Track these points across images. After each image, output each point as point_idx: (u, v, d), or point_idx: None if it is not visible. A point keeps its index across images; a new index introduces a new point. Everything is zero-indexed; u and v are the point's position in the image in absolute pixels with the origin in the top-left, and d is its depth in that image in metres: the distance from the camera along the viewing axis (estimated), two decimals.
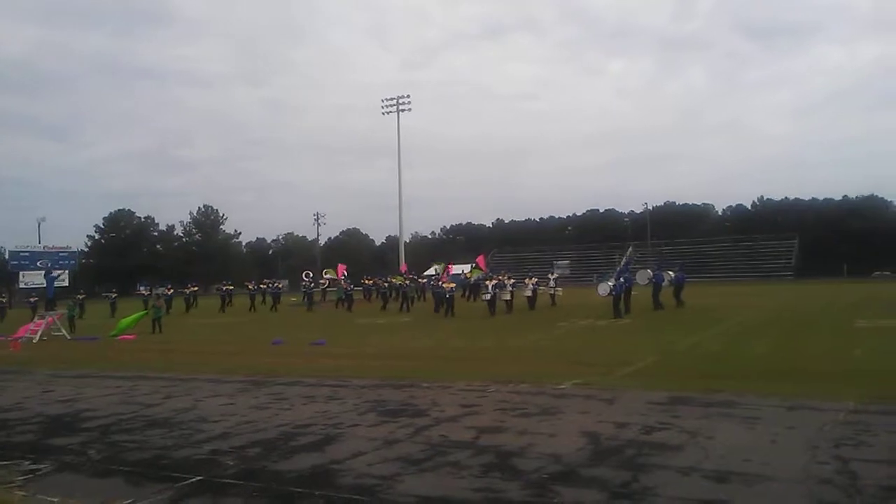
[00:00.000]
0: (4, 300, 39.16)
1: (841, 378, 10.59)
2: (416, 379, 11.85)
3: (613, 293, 23.85)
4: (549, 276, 32.17)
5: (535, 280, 30.24)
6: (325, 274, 44.03)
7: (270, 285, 41.30)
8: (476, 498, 5.47)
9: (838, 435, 7.01)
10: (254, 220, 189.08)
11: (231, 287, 41.25)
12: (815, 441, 6.80)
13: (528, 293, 28.97)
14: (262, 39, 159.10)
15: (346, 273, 38.96)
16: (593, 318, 23.28)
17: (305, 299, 38.38)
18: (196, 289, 41.88)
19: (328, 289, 41.81)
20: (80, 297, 37.93)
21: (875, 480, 5.52)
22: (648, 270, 27.70)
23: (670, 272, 27.38)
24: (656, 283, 26.10)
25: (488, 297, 27.31)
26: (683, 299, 26.09)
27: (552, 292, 30.54)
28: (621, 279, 24.74)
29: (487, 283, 28.60)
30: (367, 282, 40.32)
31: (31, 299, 40.15)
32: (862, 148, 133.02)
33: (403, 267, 47.62)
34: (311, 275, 43.68)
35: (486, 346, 17.30)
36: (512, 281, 29.63)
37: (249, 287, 40.42)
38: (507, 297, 28.06)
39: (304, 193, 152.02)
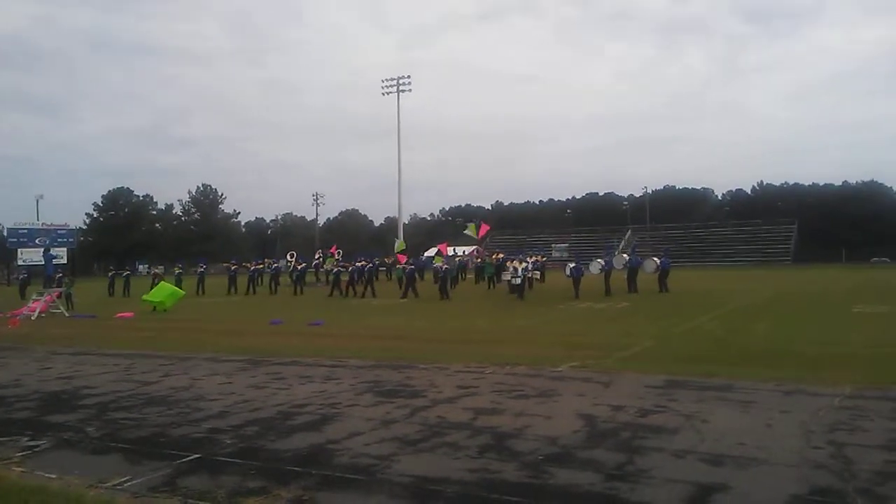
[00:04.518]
0: (25, 276, 38.40)
1: (837, 363, 10.62)
2: (413, 360, 11.86)
3: (572, 275, 26.11)
4: (527, 259, 31.73)
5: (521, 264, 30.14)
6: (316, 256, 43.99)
7: (270, 265, 40.88)
8: (472, 478, 5.49)
9: (833, 420, 7.05)
10: (253, 200, 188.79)
11: (261, 266, 40.54)
12: (810, 425, 6.83)
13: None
14: (259, 17, 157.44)
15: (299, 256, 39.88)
16: (591, 301, 23.32)
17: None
18: (236, 266, 38.09)
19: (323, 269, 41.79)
20: (65, 278, 36.16)
21: (869, 465, 5.55)
22: (625, 255, 28.85)
23: (654, 259, 28.84)
24: (632, 268, 27.69)
25: (518, 280, 26.26)
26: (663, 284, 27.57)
27: (530, 275, 30.25)
28: (588, 262, 28.11)
29: (511, 264, 28.09)
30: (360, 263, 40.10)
31: (21, 276, 38.93)
32: (862, 133, 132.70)
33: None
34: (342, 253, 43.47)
35: (483, 328, 17.33)
36: (543, 259, 32.52)
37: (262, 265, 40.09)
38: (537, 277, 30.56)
39: (303, 174, 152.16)
